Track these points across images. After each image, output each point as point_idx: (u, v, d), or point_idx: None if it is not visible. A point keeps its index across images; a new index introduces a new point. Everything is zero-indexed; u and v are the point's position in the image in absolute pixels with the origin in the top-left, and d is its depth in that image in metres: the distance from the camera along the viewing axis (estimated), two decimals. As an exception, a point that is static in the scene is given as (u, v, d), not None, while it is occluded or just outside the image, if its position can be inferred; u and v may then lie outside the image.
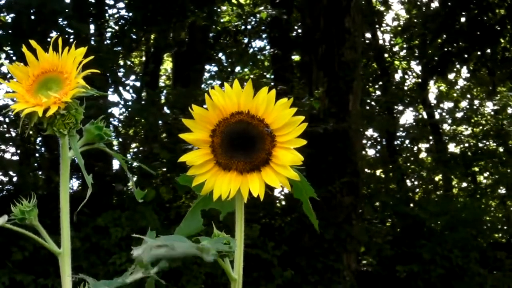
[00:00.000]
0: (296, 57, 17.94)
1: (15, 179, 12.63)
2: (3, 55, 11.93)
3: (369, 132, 19.40)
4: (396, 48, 21.06)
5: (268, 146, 1.58)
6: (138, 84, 14.15)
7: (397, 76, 21.17)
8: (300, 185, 1.67)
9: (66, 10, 11.45)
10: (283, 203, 14.08)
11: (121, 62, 14.18)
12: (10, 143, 12.75)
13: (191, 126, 1.60)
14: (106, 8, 13.30)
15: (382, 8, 20.59)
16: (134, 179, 1.95)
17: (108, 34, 13.85)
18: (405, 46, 20.39)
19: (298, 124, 1.57)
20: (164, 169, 12.18)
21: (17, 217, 1.75)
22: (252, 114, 1.57)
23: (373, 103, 19.44)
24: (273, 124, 1.57)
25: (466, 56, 17.04)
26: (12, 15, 11.46)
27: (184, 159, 1.61)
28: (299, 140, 1.57)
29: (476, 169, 19.36)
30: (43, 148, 13.39)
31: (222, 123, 1.59)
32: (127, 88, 13.13)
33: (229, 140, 1.59)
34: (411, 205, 16.59)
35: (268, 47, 18.22)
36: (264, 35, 18.08)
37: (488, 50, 16.84)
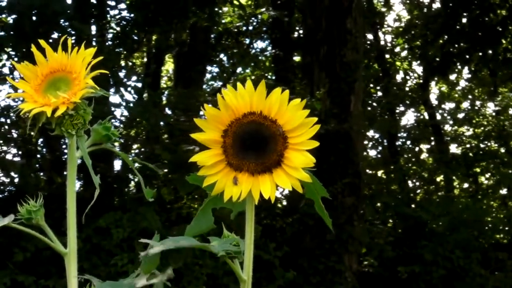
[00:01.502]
0: (297, 58, 17.94)
1: (17, 180, 12.63)
2: (5, 56, 11.94)
3: (371, 133, 19.42)
4: (397, 49, 21.06)
5: (280, 147, 1.56)
6: (139, 85, 14.15)
7: (399, 77, 21.18)
8: (311, 185, 1.66)
9: (68, 11, 11.45)
10: (284, 203, 14.08)
11: (123, 63, 14.17)
12: (12, 144, 12.74)
13: (203, 126, 1.59)
14: (108, 9, 13.30)
15: (383, 9, 20.59)
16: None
17: (110, 35, 13.85)
18: (406, 47, 20.39)
19: (311, 125, 1.56)
20: (166, 170, 12.16)
21: (24, 217, 1.74)
22: (265, 115, 1.55)
23: (374, 104, 19.43)
24: (286, 125, 1.55)
25: (467, 56, 17.04)
26: (14, 16, 11.46)
27: (195, 159, 1.59)
28: (311, 142, 1.56)
29: (478, 170, 19.34)
30: (45, 149, 13.38)
31: (234, 123, 1.57)
32: (129, 89, 13.13)
33: (241, 140, 1.57)
34: (413, 206, 16.59)
35: (269, 48, 18.21)
36: (265, 36, 18.07)
37: (490, 51, 16.84)
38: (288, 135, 1.56)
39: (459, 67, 19.28)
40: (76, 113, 1.69)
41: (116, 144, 1.84)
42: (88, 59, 1.69)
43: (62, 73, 1.71)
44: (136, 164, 1.90)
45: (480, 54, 17.00)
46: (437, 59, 17.49)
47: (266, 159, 1.57)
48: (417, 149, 20.69)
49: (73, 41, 1.72)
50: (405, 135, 20.32)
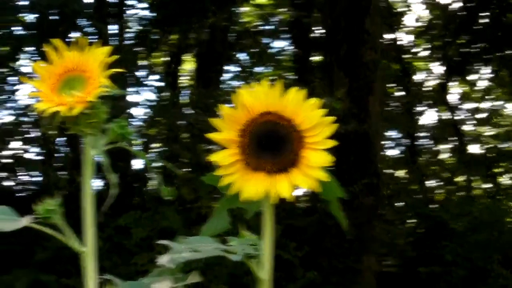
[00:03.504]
0: (316, 58, 17.90)
1: (38, 179, 12.70)
2: (25, 55, 12.02)
3: (390, 133, 19.34)
4: (416, 49, 20.96)
5: (296, 147, 1.55)
6: (159, 84, 14.19)
7: (418, 77, 21.07)
8: (328, 185, 1.64)
9: (87, 11, 11.51)
10: (305, 203, 14.06)
11: (143, 63, 14.20)
12: (34, 143, 12.82)
13: (220, 125, 1.58)
14: (127, 8, 13.34)
15: (402, 9, 20.49)
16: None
17: (129, 34, 13.89)
18: (426, 47, 20.30)
19: (328, 124, 1.55)
20: (187, 170, 12.18)
21: (42, 216, 1.74)
22: (281, 114, 1.55)
23: (393, 103, 19.38)
24: (302, 124, 1.54)
25: (486, 57, 16.95)
26: (34, 15, 11.52)
27: (212, 158, 1.59)
28: (328, 141, 1.56)
29: (497, 170, 19.22)
30: (66, 148, 13.45)
31: (250, 123, 1.56)
32: (149, 88, 13.17)
33: (257, 140, 1.57)
34: (431, 206, 16.51)
35: (289, 47, 18.21)
36: (285, 36, 18.06)
37: (509, 51, 16.73)
38: (305, 134, 1.55)
39: (478, 67, 19.17)
40: (92, 112, 1.69)
41: (138, 142, 1.85)
42: (103, 58, 1.69)
43: (77, 72, 1.71)
44: (155, 163, 1.89)
45: (499, 54, 16.89)
46: (457, 59, 17.39)
47: (283, 158, 1.56)
48: (437, 148, 20.62)
49: (92, 40, 1.72)
50: (425, 135, 20.26)
